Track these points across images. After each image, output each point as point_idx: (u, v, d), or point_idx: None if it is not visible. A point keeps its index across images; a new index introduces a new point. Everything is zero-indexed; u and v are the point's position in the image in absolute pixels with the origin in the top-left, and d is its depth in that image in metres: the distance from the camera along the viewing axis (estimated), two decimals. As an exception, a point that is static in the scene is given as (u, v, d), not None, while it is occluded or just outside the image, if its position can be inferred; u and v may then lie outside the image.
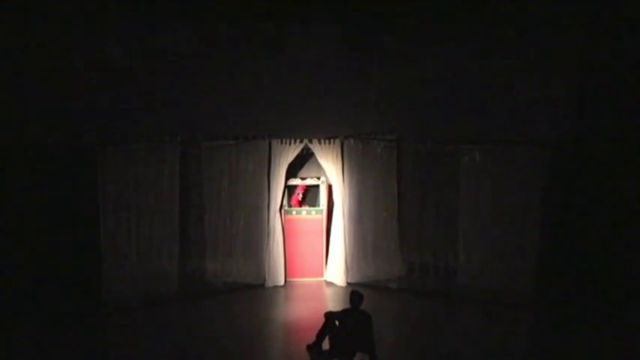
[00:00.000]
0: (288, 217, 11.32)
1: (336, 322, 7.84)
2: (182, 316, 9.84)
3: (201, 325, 9.36)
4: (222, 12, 11.04)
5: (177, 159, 10.45)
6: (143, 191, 10.24)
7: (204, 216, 10.80)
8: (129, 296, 10.03)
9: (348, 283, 11.09)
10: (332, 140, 11.02)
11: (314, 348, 8.00)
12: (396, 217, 11.09)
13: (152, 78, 11.04)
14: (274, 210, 10.98)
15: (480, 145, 10.29)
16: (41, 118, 10.66)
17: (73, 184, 10.53)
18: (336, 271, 11.21)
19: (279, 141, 10.92)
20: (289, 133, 10.95)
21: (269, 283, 11.05)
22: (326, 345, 7.87)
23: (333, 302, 10.16)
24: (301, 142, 10.97)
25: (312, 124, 11.17)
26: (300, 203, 11.52)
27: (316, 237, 11.37)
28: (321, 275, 11.45)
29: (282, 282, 11.14)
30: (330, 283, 11.28)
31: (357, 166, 11.08)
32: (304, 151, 11.13)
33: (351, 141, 11.06)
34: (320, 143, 10.99)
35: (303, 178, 11.59)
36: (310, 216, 11.39)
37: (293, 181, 11.44)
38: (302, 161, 11.52)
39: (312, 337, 8.03)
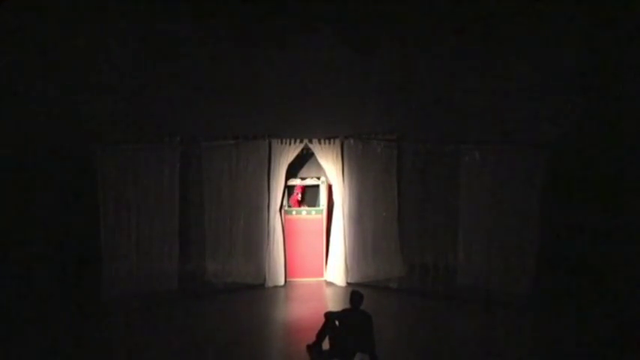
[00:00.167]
0: (288, 217, 11.32)
1: (336, 322, 7.84)
2: (182, 316, 9.83)
3: (201, 325, 9.36)
4: (222, 12, 11.04)
5: (177, 159, 10.45)
6: (143, 191, 10.24)
7: (204, 216, 10.80)
8: (129, 296, 10.02)
9: (348, 283, 11.09)
10: (332, 140, 11.02)
11: (314, 348, 8.00)
12: (396, 217, 11.09)
13: (152, 78, 11.06)
14: (274, 210, 10.98)
15: (479, 145, 10.28)
16: (41, 118, 10.67)
17: (73, 184, 10.55)
18: (336, 271, 11.21)
19: (279, 141, 10.92)
20: (289, 133, 10.95)
21: (269, 283, 11.05)
22: (326, 345, 7.87)
23: (333, 302, 10.16)
24: (301, 142, 10.97)
25: (312, 124, 11.18)
26: (299, 203, 11.52)
27: (316, 237, 11.37)
28: (321, 275, 11.45)
29: (282, 282, 11.14)
30: (330, 283, 11.28)
31: (357, 166, 11.08)
32: (304, 151, 11.13)
33: (351, 141, 11.06)
34: (320, 143, 10.99)
35: (303, 178, 11.59)
36: (310, 216, 11.39)
37: (293, 181, 11.44)
38: (302, 161, 11.53)
39: (312, 337, 8.03)
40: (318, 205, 11.47)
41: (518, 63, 10.86)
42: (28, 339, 8.71)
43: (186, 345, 8.58)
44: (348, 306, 7.94)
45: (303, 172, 11.71)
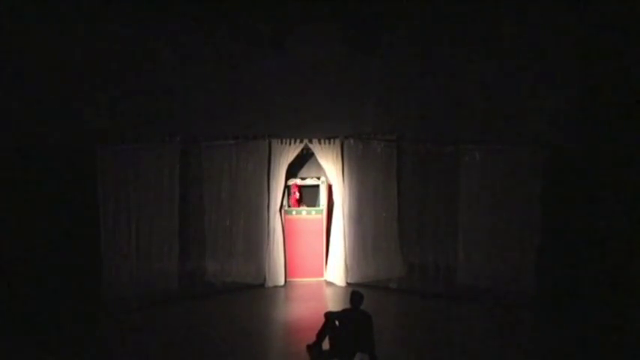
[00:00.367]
0: (288, 217, 11.32)
1: (336, 322, 7.83)
2: (182, 316, 9.83)
3: (201, 325, 9.35)
4: (222, 12, 11.04)
5: (178, 159, 10.44)
6: (143, 191, 10.23)
7: (204, 216, 10.80)
8: (129, 296, 10.01)
9: (348, 283, 11.09)
10: (332, 140, 11.02)
11: (314, 348, 7.99)
12: (396, 217, 11.09)
13: (152, 78, 11.06)
14: (274, 210, 10.98)
15: (479, 145, 10.28)
16: (41, 118, 10.67)
17: (73, 184, 10.54)
18: (336, 271, 11.21)
19: (279, 141, 10.93)
20: (289, 133, 10.94)
21: (269, 283, 11.05)
22: (326, 345, 7.87)
23: (333, 302, 10.16)
24: (301, 142, 10.97)
25: (312, 124, 11.18)
26: (298, 202, 11.52)
27: (316, 237, 11.37)
28: (321, 275, 11.45)
29: (282, 282, 11.14)
30: (330, 283, 11.28)
31: (357, 166, 11.08)
32: (304, 151, 11.13)
33: (351, 141, 11.06)
34: (320, 143, 10.99)
35: (303, 178, 11.59)
36: (310, 216, 11.38)
37: (292, 181, 11.44)
38: (302, 161, 11.53)
39: (312, 337, 8.03)
40: (318, 205, 11.47)
41: (519, 63, 10.85)
42: (28, 339, 8.70)
43: (186, 345, 8.57)
44: (348, 306, 7.94)
45: (303, 172, 11.71)
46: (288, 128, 11.04)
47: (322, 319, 7.98)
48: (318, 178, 11.50)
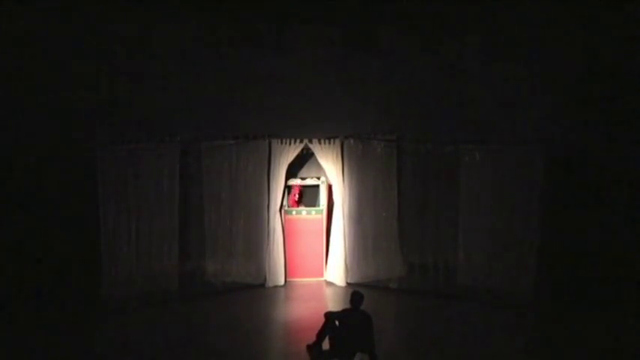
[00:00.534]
0: (288, 217, 11.32)
1: (336, 322, 7.83)
2: (182, 316, 9.84)
3: (202, 325, 9.36)
4: (222, 12, 11.04)
5: (177, 159, 10.44)
6: (143, 191, 10.23)
7: (204, 216, 10.79)
8: (129, 296, 10.01)
9: (348, 283, 11.09)
10: (332, 140, 11.02)
11: (314, 348, 7.99)
12: (396, 217, 11.08)
13: (152, 78, 11.06)
14: (274, 210, 10.98)
15: (480, 145, 10.27)
16: (41, 118, 10.67)
17: (73, 184, 10.54)
18: (336, 271, 11.21)
19: (279, 141, 10.92)
20: (289, 133, 10.94)
21: (269, 283, 11.05)
22: (326, 345, 7.87)
23: (333, 302, 10.15)
24: (301, 142, 10.96)
25: (312, 124, 11.18)
26: (297, 203, 11.51)
27: (316, 237, 11.37)
28: (321, 275, 11.45)
29: (282, 282, 11.13)
30: (330, 283, 11.27)
31: (357, 166, 11.07)
32: (304, 151, 11.12)
33: (351, 141, 11.06)
34: (320, 143, 10.99)
35: (303, 178, 11.59)
36: (310, 216, 11.38)
37: (293, 181, 11.44)
38: (302, 161, 11.52)
39: (312, 337, 8.03)
40: (318, 205, 11.46)
41: (519, 63, 10.86)
42: (28, 339, 8.70)
43: (186, 345, 8.57)
44: (348, 306, 7.94)
45: (303, 172, 11.70)
46: (288, 128, 11.03)
47: (322, 319, 7.98)
48: (318, 178, 11.49)
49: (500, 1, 10.83)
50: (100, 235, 9.94)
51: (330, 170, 11.11)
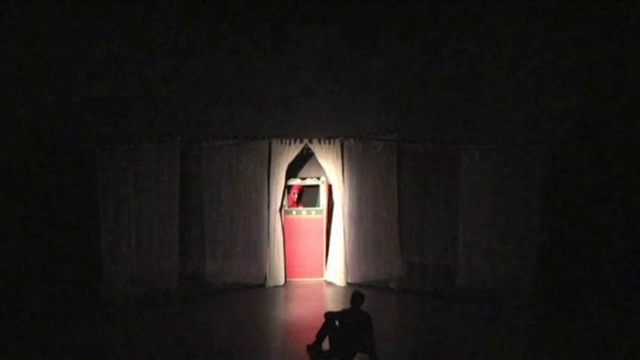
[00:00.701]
0: (288, 217, 11.31)
1: (336, 322, 7.83)
2: (182, 316, 9.84)
3: (201, 325, 9.36)
4: (222, 12, 11.04)
5: (177, 159, 10.44)
6: (143, 191, 10.23)
7: (204, 216, 10.79)
8: (129, 296, 10.01)
9: (348, 283, 11.09)
10: (332, 140, 11.01)
11: (314, 348, 7.99)
12: (396, 217, 11.08)
13: (152, 78, 11.06)
14: (274, 210, 10.98)
15: (480, 145, 10.27)
16: (41, 118, 10.68)
17: (73, 184, 10.54)
18: (336, 271, 11.21)
19: (279, 141, 10.92)
20: (289, 133, 10.94)
21: (269, 283, 11.05)
22: (326, 345, 7.87)
23: (333, 302, 10.15)
24: (301, 142, 10.96)
25: (312, 124, 11.19)
26: (296, 203, 11.51)
27: (316, 237, 11.37)
28: (321, 275, 11.45)
29: (282, 282, 11.13)
30: (330, 283, 11.27)
31: (357, 166, 11.07)
32: (304, 151, 11.12)
33: (351, 141, 11.06)
34: (320, 143, 10.98)
35: (303, 178, 11.59)
36: (310, 216, 11.38)
37: (293, 181, 11.44)
38: (302, 161, 11.52)
39: (312, 337, 8.03)
40: (318, 205, 11.46)
41: (519, 63, 10.86)
42: (27, 339, 8.70)
43: (186, 345, 8.58)
44: (348, 306, 7.94)
45: (303, 172, 11.70)
46: (288, 128, 11.04)
47: (322, 319, 7.98)
48: (318, 178, 11.49)
49: (500, 1, 10.83)
50: (100, 235, 9.94)
51: (330, 170, 11.11)
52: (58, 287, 10.17)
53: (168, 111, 11.08)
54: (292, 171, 11.35)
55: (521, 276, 9.93)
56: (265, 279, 11.05)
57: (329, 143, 11.00)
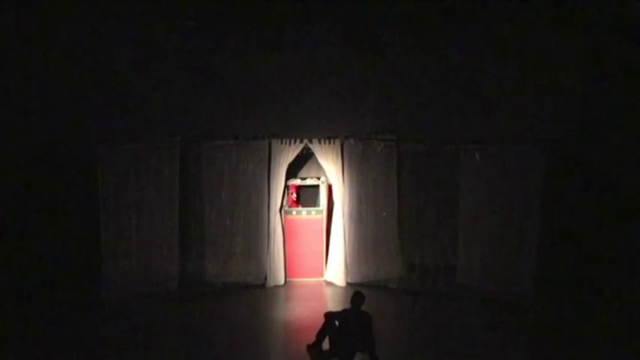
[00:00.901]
0: (288, 217, 11.31)
1: (336, 322, 7.83)
2: (182, 316, 9.84)
3: (202, 325, 9.36)
4: (222, 12, 11.04)
5: (177, 159, 10.44)
6: (143, 191, 10.23)
7: (204, 216, 10.79)
8: (129, 296, 10.01)
9: (348, 283, 11.08)
10: (332, 140, 11.01)
11: (314, 348, 7.99)
12: (396, 217, 11.08)
13: (152, 78, 11.06)
14: (274, 210, 10.97)
15: (480, 145, 10.28)
16: (41, 118, 10.68)
17: (73, 184, 10.55)
18: (336, 271, 11.20)
19: (279, 141, 10.91)
20: (289, 133, 10.94)
21: (269, 283, 11.04)
22: (326, 345, 7.87)
23: (333, 302, 10.15)
24: (301, 142, 10.96)
25: (312, 124, 11.19)
26: (296, 203, 11.51)
27: (316, 237, 11.36)
28: (321, 275, 11.45)
29: (282, 282, 11.13)
30: (330, 283, 11.27)
31: (357, 166, 11.07)
32: (304, 151, 11.12)
33: (351, 141, 11.05)
34: (320, 143, 10.98)
35: (303, 178, 11.58)
36: (310, 216, 11.38)
37: (292, 182, 11.44)
38: (302, 161, 11.52)
39: (312, 337, 8.02)
40: (318, 205, 11.46)
41: (519, 63, 10.87)
42: (28, 339, 8.70)
43: (186, 345, 8.58)
44: (348, 306, 7.94)
45: (303, 172, 11.70)
46: (288, 128, 11.03)
47: (322, 319, 7.97)
48: (318, 178, 11.49)
49: (500, 1, 10.83)
50: (100, 235, 9.94)
51: (330, 170, 11.11)
52: (58, 287, 10.17)
53: (168, 111, 11.07)
54: (292, 171, 11.35)
55: (521, 276, 9.93)
56: (265, 279, 11.04)
57: (329, 143, 11.00)
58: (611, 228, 10.28)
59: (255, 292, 10.80)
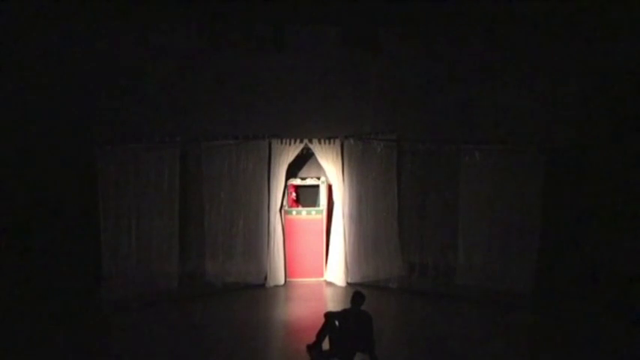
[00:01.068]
0: (288, 217, 11.31)
1: (336, 322, 7.83)
2: (182, 316, 9.83)
3: (201, 325, 9.36)
4: (222, 12, 11.04)
5: (177, 159, 10.45)
6: (143, 191, 10.23)
7: (204, 216, 10.80)
8: (129, 296, 10.02)
9: (348, 283, 11.09)
10: (332, 140, 11.02)
11: (314, 348, 7.99)
12: (395, 217, 11.09)
13: (152, 78, 11.06)
14: (274, 210, 10.98)
15: (480, 145, 10.28)
16: (42, 118, 10.67)
17: (73, 184, 10.54)
18: (336, 271, 11.21)
19: (279, 141, 10.92)
20: (289, 133, 10.94)
21: (269, 283, 11.05)
22: (326, 345, 7.87)
23: (333, 302, 10.16)
24: (301, 142, 10.96)
25: (312, 124, 11.19)
26: (296, 203, 11.51)
27: (316, 237, 11.37)
28: (321, 275, 11.45)
29: (282, 282, 11.14)
30: (330, 283, 11.28)
31: (357, 166, 11.07)
32: (304, 151, 11.12)
33: (351, 141, 11.06)
34: (320, 143, 10.99)
35: (303, 178, 11.59)
36: (310, 216, 11.38)
37: (292, 181, 11.44)
38: (302, 161, 11.52)
39: (312, 337, 8.02)
40: (318, 205, 11.46)
41: (519, 63, 10.86)
42: (28, 339, 8.70)
43: (186, 345, 8.57)
44: (348, 306, 7.94)
45: (303, 172, 11.71)
46: (288, 128, 11.04)
47: (322, 319, 7.97)
48: (318, 178, 11.49)
49: (500, 1, 10.83)
50: (100, 235, 9.94)
51: (330, 170, 11.11)
52: (58, 287, 10.17)
53: (168, 111, 11.07)
54: (292, 171, 11.35)
55: (521, 276, 9.93)
56: (265, 279, 11.05)
57: (329, 143, 11.01)
58: (611, 228, 10.28)
59: (255, 292, 10.81)
